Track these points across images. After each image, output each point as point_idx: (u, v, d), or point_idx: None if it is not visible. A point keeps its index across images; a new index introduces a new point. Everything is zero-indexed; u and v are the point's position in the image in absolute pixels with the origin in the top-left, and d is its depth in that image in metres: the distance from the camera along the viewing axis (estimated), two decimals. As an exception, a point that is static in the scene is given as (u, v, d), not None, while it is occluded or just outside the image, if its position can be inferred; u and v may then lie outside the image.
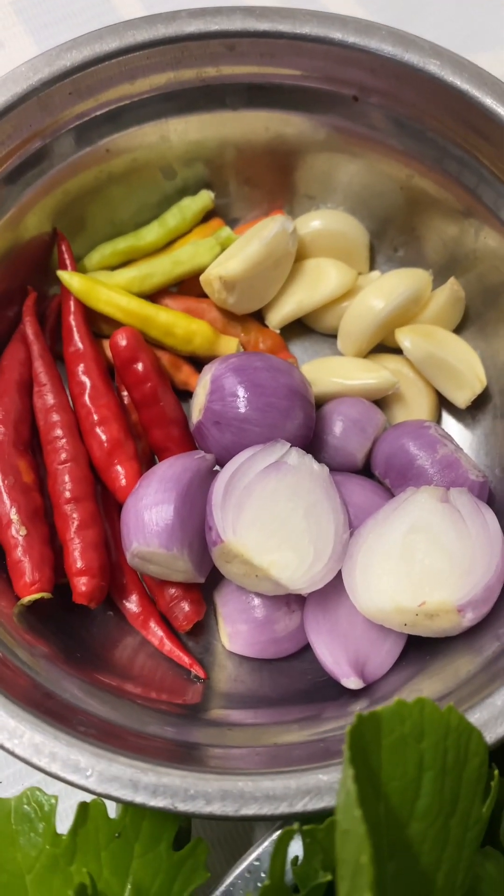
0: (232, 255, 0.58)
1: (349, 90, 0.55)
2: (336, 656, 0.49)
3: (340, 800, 0.31)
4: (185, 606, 0.53)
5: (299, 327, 0.64)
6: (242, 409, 0.51)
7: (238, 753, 0.44)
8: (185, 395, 0.59)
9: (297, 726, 0.48)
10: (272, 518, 0.48)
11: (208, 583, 0.54)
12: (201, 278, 0.58)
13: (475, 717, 0.41)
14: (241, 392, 0.51)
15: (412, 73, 0.53)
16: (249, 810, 0.39)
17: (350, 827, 0.30)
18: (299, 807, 0.39)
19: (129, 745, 0.42)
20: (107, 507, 0.56)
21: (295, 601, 0.53)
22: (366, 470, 0.58)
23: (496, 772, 0.39)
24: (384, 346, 0.62)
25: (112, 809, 0.42)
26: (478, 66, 0.53)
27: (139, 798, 0.39)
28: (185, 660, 0.52)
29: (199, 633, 0.56)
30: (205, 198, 0.61)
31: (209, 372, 0.54)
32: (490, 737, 0.40)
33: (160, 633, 0.53)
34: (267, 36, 0.53)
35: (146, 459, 0.57)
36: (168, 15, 0.52)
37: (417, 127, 0.56)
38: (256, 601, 0.53)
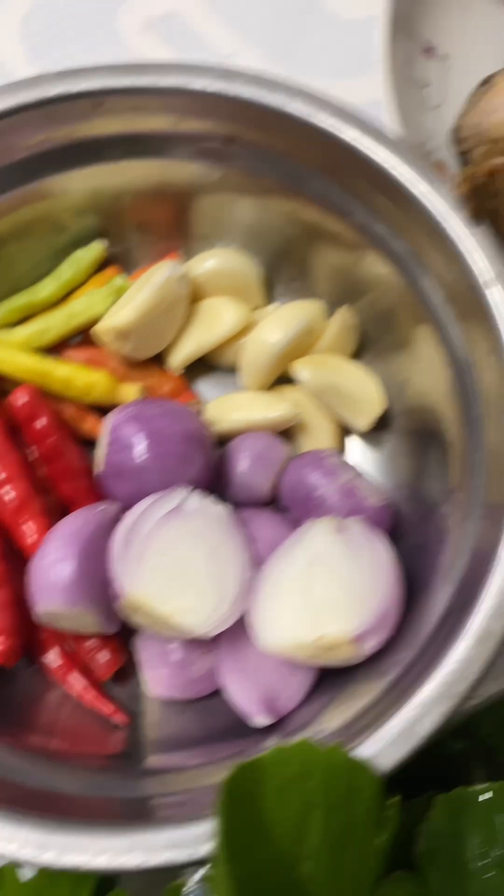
0: (123, 305, 0.58)
1: (220, 136, 0.56)
2: (245, 695, 0.50)
3: (214, 854, 0.32)
4: (104, 656, 0.54)
5: (204, 365, 0.65)
6: (138, 460, 0.52)
7: (174, 801, 0.45)
8: (94, 444, 0.60)
9: (228, 764, 0.49)
10: (173, 565, 0.49)
11: (131, 627, 0.55)
12: (92, 331, 0.59)
13: (374, 742, 0.42)
14: (136, 442, 0.52)
15: (276, 115, 0.54)
16: (160, 858, 0.40)
17: (221, 881, 0.30)
18: (203, 852, 0.39)
19: (41, 805, 0.43)
20: (21, 562, 0.56)
21: (210, 641, 0.53)
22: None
23: (394, 800, 0.40)
24: (289, 376, 0.63)
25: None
26: (342, 102, 0.54)
27: (46, 858, 0.39)
28: (106, 709, 0.53)
29: (125, 679, 0.56)
30: (97, 248, 0.62)
31: (108, 422, 0.54)
32: (389, 761, 0.41)
33: (81, 683, 0.54)
34: (131, 92, 0.54)
35: (58, 512, 0.58)
36: (31, 80, 0.53)
37: (293, 164, 0.57)
38: (173, 644, 0.53)
